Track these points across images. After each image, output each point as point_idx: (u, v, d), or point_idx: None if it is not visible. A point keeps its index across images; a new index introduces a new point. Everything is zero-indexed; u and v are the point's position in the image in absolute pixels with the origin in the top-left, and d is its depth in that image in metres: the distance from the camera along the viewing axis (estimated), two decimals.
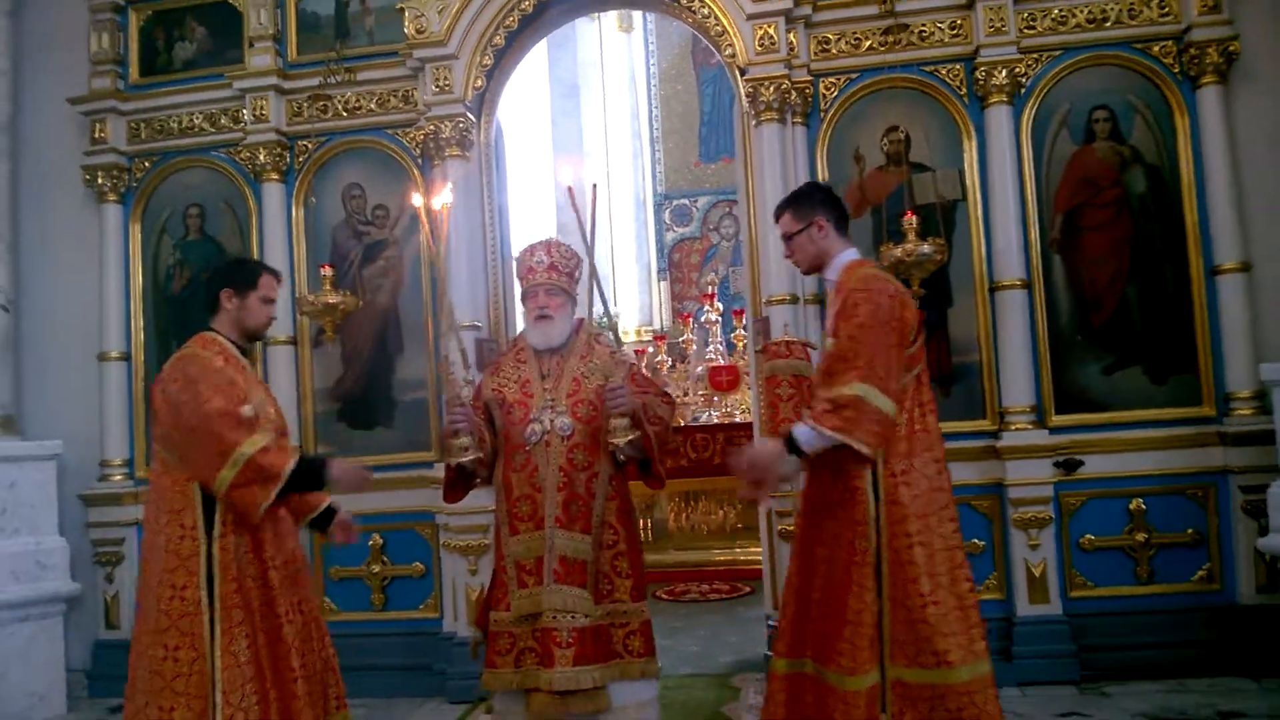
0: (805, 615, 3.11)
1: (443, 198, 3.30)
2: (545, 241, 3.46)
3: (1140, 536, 4.72)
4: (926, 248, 4.61)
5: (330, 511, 3.47)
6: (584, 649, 3.12)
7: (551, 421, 3.25)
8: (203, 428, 3.11)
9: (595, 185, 3.30)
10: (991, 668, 2.95)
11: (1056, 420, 4.79)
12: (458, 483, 3.39)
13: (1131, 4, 4.85)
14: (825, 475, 3.10)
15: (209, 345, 3.32)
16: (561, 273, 3.39)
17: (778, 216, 3.36)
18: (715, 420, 8.50)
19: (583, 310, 3.44)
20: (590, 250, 3.18)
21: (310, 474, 3.21)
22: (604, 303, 3.41)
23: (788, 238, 3.30)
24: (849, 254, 3.26)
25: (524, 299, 3.44)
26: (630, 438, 3.12)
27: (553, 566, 3.16)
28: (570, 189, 3.36)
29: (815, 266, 3.30)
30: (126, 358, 5.62)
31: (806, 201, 3.29)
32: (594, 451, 3.25)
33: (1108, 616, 4.70)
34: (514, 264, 5.62)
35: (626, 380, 3.31)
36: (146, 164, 5.75)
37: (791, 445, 2.94)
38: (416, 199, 3.46)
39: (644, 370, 3.59)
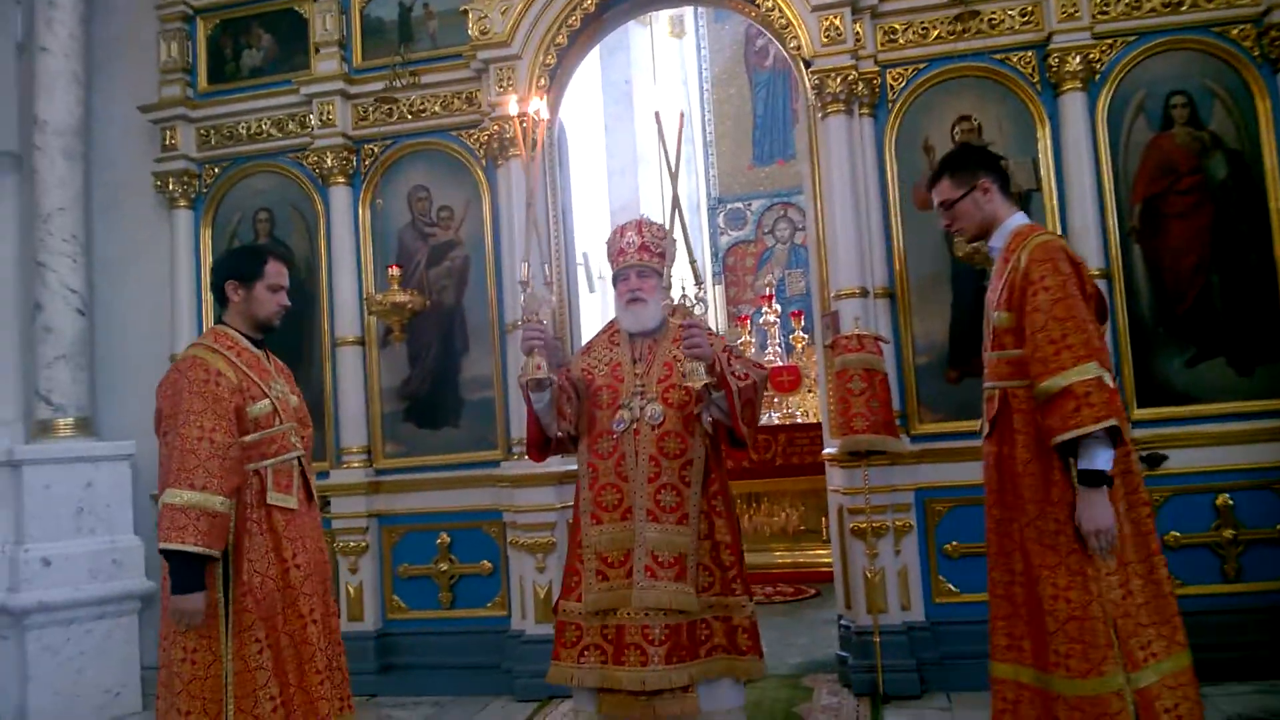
0: (1016, 616, 2.94)
1: (537, 105, 3.15)
2: (635, 221, 3.35)
3: (1228, 533, 4.57)
4: None
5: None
6: (678, 647, 2.97)
7: (641, 409, 3.14)
8: (168, 448, 3.04)
9: (681, 113, 3.19)
10: (1191, 660, 2.82)
11: (1138, 414, 4.65)
12: (541, 440, 3.27)
13: None
14: (1014, 467, 2.93)
15: (220, 340, 3.22)
16: (653, 253, 3.26)
17: (932, 184, 3.18)
18: (776, 421, 8.42)
19: (675, 291, 3.36)
20: (674, 177, 3.10)
21: (187, 572, 2.97)
22: (687, 246, 3.28)
23: (948, 205, 3.11)
24: (1018, 218, 3.07)
25: (615, 282, 3.34)
26: (707, 381, 2.91)
27: (644, 563, 3.01)
28: (657, 114, 3.28)
29: (982, 233, 3.10)
30: None
31: (967, 163, 3.11)
32: (687, 439, 3.12)
33: (1196, 615, 4.43)
34: (574, 263, 5.74)
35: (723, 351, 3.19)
36: (216, 170, 5.85)
37: (1091, 479, 2.74)
38: (513, 107, 3.21)
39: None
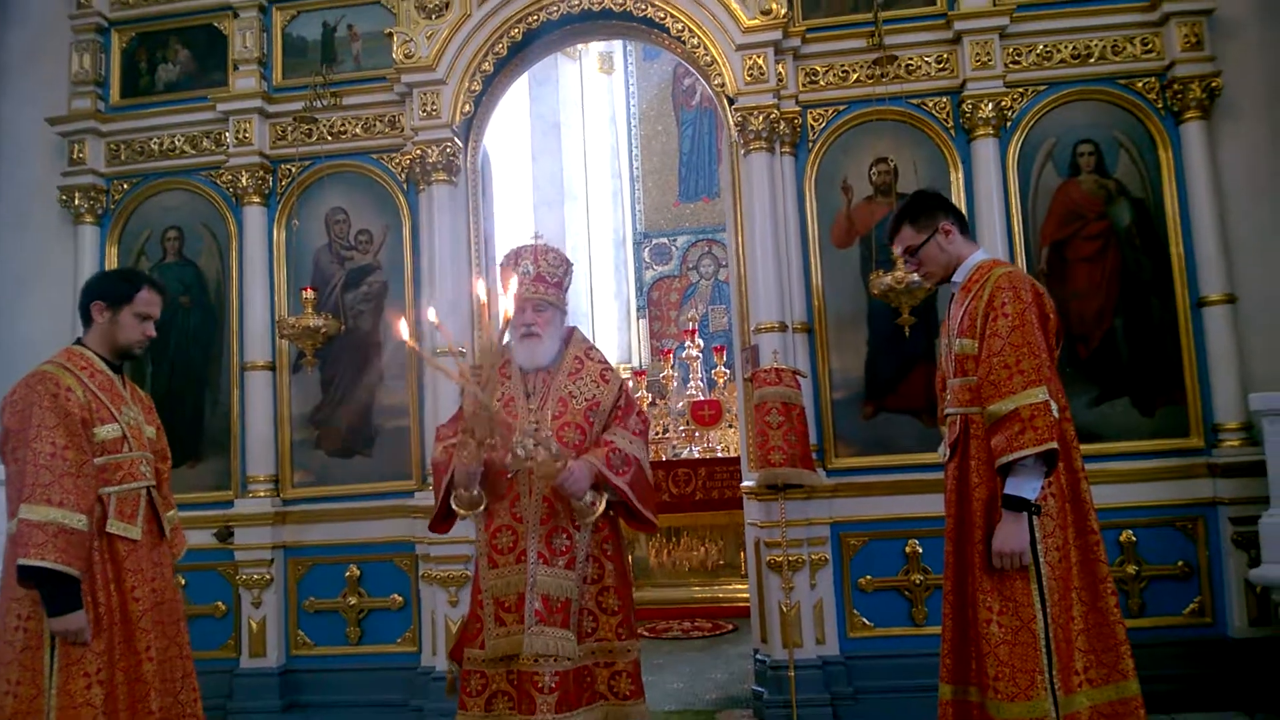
0: (964, 637, 2.99)
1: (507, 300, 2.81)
2: (531, 247, 3.18)
3: (1131, 569, 4.68)
4: (915, 276, 4.56)
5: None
6: (567, 694, 2.88)
7: (535, 448, 2.98)
8: (19, 464, 2.93)
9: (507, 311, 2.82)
10: (1139, 688, 2.87)
11: None
12: (447, 514, 3.17)
13: (1115, 40, 4.92)
14: (971, 492, 2.98)
15: (73, 359, 3.11)
16: (550, 284, 3.14)
17: (893, 234, 3.23)
18: (697, 455, 8.42)
19: (573, 319, 3.27)
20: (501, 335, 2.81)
21: (57, 594, 2.86)
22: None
23: (913, 251, 3.17)
24: (980, 254, 3.16)
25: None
26: (598, 513, 2.93)
27: (534, 606, 2.91)
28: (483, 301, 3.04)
29: (948, 274, 3.17)
30: None
31: (925, 209, 3.18)
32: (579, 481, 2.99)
33: None
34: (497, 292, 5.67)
35: (618, 399, 3.14)
36: (125, 186, 5.67)
37: (1015, 504, 2.80)
38: (481, 289, 2.98)
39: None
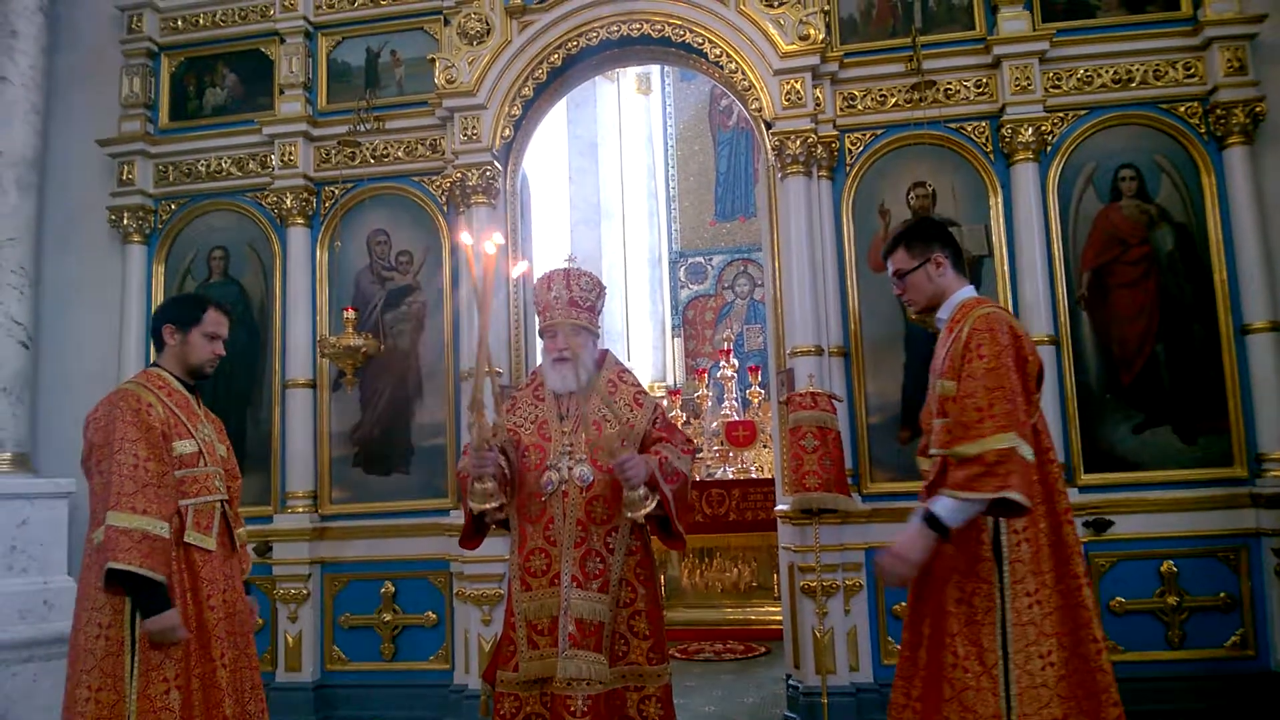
0: (915, 677, 2.91)
1: (495, 240, 2.81)
2: (564, 271, 3.19)
3: (1172, 600, 4.61)
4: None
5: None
6: (598, 718, 2.88)
7: (569, 470, 3.01)
8: (103, 476, 3.03)
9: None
10: None
11: (1085, 479, 4.72)
12: (476, 530, 3.19)
13: (1157, 65, 4.88)
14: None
15: (151, 380, 3.25)
16: (583, 308, 3.16)
17: (888, 254, 3.20)
18: (731, 476, 8.41)
19: (607, 337, 3.28)
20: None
21: (147, 596, 2.96)
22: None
23: (901, 275, 3.12)
24: (966, 291, 3.09)
25: (541, 333, 3.24)
26: (649, 509, 2.90)
27: (568, 630, 2.91)
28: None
29: (931, 306, 3.11)
30: None
31: (922, 236, 3.13)
32: (614, 504, 3.00)
33: (1138, 682, 4.51)
34: (535, 315, 5.72)
35: (653, 422, 3.15)
36: (172, 206, 5.80)
37: (933, 523, 2.73)
38: (466, 238, 3.10)
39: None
